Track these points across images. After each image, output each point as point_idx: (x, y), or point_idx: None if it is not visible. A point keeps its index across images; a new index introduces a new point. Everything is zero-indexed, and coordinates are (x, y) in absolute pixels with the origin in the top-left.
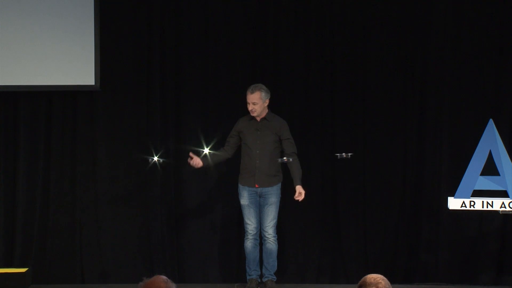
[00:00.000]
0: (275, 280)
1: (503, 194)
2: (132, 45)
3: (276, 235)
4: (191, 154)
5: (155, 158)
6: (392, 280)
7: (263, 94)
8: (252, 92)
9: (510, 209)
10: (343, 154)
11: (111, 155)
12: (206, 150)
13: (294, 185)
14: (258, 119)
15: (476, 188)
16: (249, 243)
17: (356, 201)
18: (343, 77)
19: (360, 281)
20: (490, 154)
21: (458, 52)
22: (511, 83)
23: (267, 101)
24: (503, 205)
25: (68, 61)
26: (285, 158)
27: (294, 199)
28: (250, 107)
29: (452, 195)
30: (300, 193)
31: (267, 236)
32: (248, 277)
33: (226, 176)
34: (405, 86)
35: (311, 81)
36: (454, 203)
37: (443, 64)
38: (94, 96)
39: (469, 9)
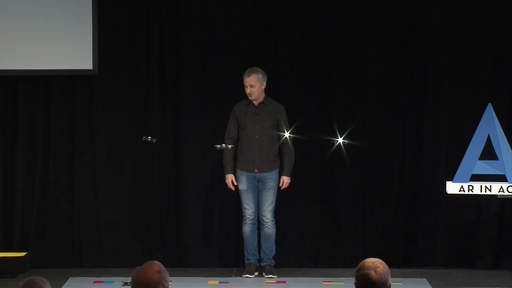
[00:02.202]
0: (273, 264)
1: (501, 178)
2: (130, 29)
3: (275, 220)
4: (231, 182)
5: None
6: (390, 264)
7: (260, 76)
8: (249, 75)
9: (509, 193)
10: (223, 145)
11: (109, 139)
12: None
13: (281, 174)
14: (256, 103)
15: (475, 172)
16: (247, 227)
17: (355, 185)
18: (342, 63)
19: (358, 265)
20: (489, 139)
21: (457, 37)
22: (510, 68)
23: (264, 83)
24: (501, 189)
25: (66, 46)
26: (223, 145)
27: (279, 187)
28: (248, 90)
29: (451, 179)
30: (284, 182)
31: (265, 220)
32: (246, 262)
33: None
34: (404, 71)
35: (310, 67)
36: (452, 188)
37: (442, 48)
38: (92, 80)
39: None
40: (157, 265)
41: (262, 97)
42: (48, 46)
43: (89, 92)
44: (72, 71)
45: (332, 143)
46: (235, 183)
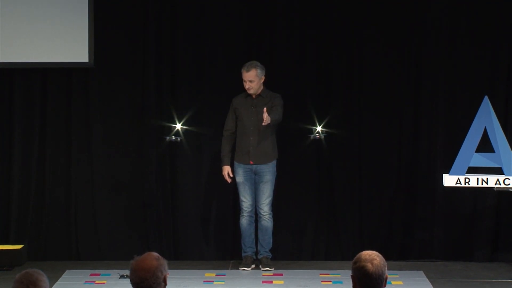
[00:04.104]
0: (270, 257)
1: (498, 171)
2: (127, 21)
3: (272, 212)
4: (227, 174)
5: (178, 126)
6: (387, 257)
7: (258, 71)
8: (248, 70)
9: (505, 186)
10: (316, 134)
11: (106, 132)
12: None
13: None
14: (254, 96)
15: (471, 165)
16: (245, 220)
17: (352, 178)
18: (339, 54)
19: (355, 258)
20: (485, 131)
21: (454, 29)
22: (506, 60)
23: (263, 77)
24: (498, 182)
25: (62, 38)
26: (317, 134)
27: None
28: (247, 85)
29: (447, 172)
30: (265, 116)
31: (262, 213)
32: (243, 254)
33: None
34: (401, 63)
35: (307, 59)
36: (449, 180)
37: (439, 41)
38: (89, 73)
39: None
40: (156, 254)
41: (260, 90)
42: (44, 39)
43: (86, 85)
44: (68, 63)
45: (328, 135)
46: (231, 175)
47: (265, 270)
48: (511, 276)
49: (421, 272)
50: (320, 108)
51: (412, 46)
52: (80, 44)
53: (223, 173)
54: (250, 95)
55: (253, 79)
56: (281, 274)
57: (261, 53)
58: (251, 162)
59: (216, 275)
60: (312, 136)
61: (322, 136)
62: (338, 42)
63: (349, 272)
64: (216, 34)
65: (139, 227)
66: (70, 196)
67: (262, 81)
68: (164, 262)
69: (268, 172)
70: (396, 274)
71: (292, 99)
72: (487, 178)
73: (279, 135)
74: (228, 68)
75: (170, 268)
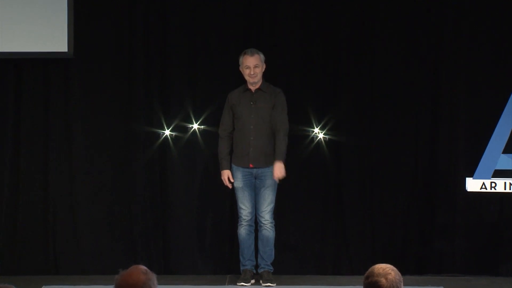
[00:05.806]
0: (272, 271)
1: None
2: (111, 5)
3: (274, 221)
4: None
5: (167, 132)
6: (402, 270)
7: (262, 56)
8: (252, 55)
9: None
10: None
11: (87, 130)
12: (195, 126)
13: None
14: (253, 89)
15: (498, 167)
16: (243, 230)
17: (362, 182)
18: (348, 47)
19: (367, 272)
20: None
21: (476, 20)
22: None
23: (264, 66)
24: None
25: (38, 25)
26: None
27: (274, 177)
28: (251, 71)
29: (471, 175)
30: (277, 169)
31: (263, 222)
32: (242, 268)
33: (217, 157)
34: (418, 57)
35: (312, 50)
36: (472, 185)
37: (459, 33)
38: (68, 65)
39: None
40: (143, 268)
41: (260, 82)
42: (17, 26)
43: (65, 78)
44: (45, 53)
45: (337, 136)
46: (232, 180)
47: (266, 286)
48: None
49: None
50: (327, 108)
51: (431, 39)
52: (58, 32)
53: (222, 177)
54: (248, 89)
55: (258, 64)
56: None
57: (260, 41)
58: (251, 165)
59: None
60: None
61: None
62: (347, 37)
63: None
64: (210, 22)
65: (125, 238)
66: (47, 203)
67: (263, 70)
68: (153, 277)
69: (270, 176)
70: None
71: (295, 95)
72: None
73: None
74: (224, 57)
75: (159, 284)
